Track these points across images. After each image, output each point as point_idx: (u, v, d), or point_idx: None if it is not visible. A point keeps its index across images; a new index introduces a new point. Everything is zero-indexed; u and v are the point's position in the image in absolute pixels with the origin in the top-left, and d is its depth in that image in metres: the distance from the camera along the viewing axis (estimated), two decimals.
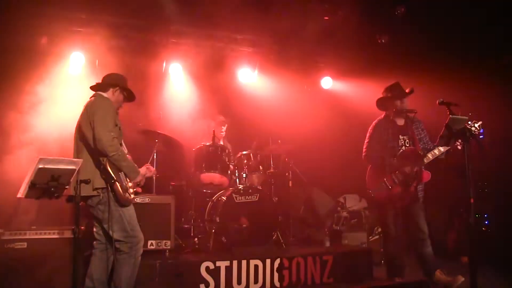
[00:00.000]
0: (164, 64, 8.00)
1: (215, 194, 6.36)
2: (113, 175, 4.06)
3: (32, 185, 3.54)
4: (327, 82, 9.04)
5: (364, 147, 5.32)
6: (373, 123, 5.38)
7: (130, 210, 4.27)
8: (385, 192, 5.06)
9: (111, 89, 4.43)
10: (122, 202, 4.14)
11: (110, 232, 4.13)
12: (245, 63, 8.52)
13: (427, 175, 5.08)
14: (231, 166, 6.46)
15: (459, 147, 4.90)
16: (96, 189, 4.06)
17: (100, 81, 4.55)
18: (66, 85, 7.24)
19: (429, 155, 4.98)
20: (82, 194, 4.01)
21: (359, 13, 7.38)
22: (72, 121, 4.51)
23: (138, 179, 4.31)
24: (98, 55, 7.41)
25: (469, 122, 4.81)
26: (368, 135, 5.35)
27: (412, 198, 5.08)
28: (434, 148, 5.04)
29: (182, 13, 7.17)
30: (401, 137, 5.20)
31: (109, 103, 4.30)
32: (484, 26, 6.66)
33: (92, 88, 4.50)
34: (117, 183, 4.07)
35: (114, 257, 4.21)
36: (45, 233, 4.98)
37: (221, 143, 7.05)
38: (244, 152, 6.51)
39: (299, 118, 8.55)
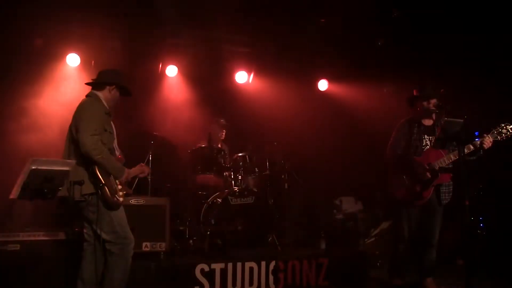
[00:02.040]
0: (161, 65, 7.98)
1: (210, 196, 6.33)
2: (101, 179, 4.02)
3: (25, 186, 3.52)
4: (323, 85, 9.03)
5: (388, 145, 5.22)
6: (400, 122, 5.27)
7: (120, 212, 4.22)
8: (405, 190, 4.99)
9: (107, 87, 4.36)
10: (111, 206, 4.10)
11: (99, 232, 4.08)
12: (242, 65, 8.51)
13: (447, 176, 4.98)
14: (227, 168, 6.43)
15: (485, 146, 4.80)
16: (84, 195, 4.01)
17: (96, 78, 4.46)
18: (61, 86, 7.24)
19: (451, 156, 4.90)
20: (74, 198, 3.99)
21: (356, 16, 7.39)
22: (66, 122, 4.49)
23: (124, 177, 4.25)
24: (94, 55, 7.40)
25: (502, 124, 4.79)
26: (393, 134, 5.24)
27: (430, 199, 5.00)
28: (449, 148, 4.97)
29: (178, 14, 7.16)
30: (426, 137, 5.09)
31: (97, 108, 4.22)
32: (482, 28, 6.67)
33: (88, 84, 4.44)
34: (105, 187, 4.02)
35: (105, 259, 4.18)
36: (38, 235, 4.97)
37: (219, 145, 7.02)
38: (240, 154, 6.49)
39: (295, 120, 8.54)
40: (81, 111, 4.17)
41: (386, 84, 8.62)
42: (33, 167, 3.49)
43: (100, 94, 4.33)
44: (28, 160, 3.49)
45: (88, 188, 4.02)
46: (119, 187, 4.21)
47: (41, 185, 3.59)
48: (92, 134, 4.00)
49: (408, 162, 4.99)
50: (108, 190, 4.04)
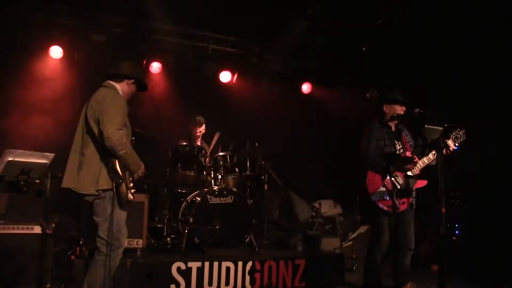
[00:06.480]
0: (145, 62, 7.94)
1: (189, 194, 6.32)
2: (121, 174, 3.88)
3: (1, 178, 3.47)
4: (307, 87, 9.07)
5: (362, 151, 5.10)
6: (369, 127, 5.18)
7: (124, 211, 4.06)
8: (387, 197, 4.93)
9: (125, 80, 4.20)
10: (124, 203, 3.97)
11: (99, 230, 3.98)
12: (226, 64, 8.50)
13: (424, 181, 4.99)
14: (207, 167, 6.42)
15: (449, 151, 4.82)
16: (99, 190, 3.88)
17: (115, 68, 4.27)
18: (43, 78, 7.17)
19: (425, 159, 4.92)
20: (82, 191, 3.89)
21: (342, 20, 7.45)
22: (46, 113, 4.43)
23: (140, 172, 4.13)
24: (77, 48, 7.35)
25: (456, 130, 4.84)
26: (365, 140, 5.13)
27: (409, 205, 5.01)
28: (426, 155, 4.99)
29: (164, 11, 7.14)
30: (396, 142, 5.11)
31: (121, 100, 4.06)
32: (465, 37, 6.78)
33: (105, 74, 4.25)
34: (123, 183, 3.90)
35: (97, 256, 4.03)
36: (13, 228, 4.84)
37: (198, 143, 7.02)
38: (221, 154, 6.48)
39: (277, 121, 8.58)
40: (105, 103, 3.94)
41: (368, 89, 8.70)
42: (9, 159, 3.45)
43: (118, 86, 4.16)
44: (4, 152, 3.45)
45: (105, 183, 3.87)
46: (131, 184, 4.07)
47: (18, 178, 3.55)
48: (118, 128, 3.84)
49: (388, 168, 4.96)
50: (125, 187, 3.91)
